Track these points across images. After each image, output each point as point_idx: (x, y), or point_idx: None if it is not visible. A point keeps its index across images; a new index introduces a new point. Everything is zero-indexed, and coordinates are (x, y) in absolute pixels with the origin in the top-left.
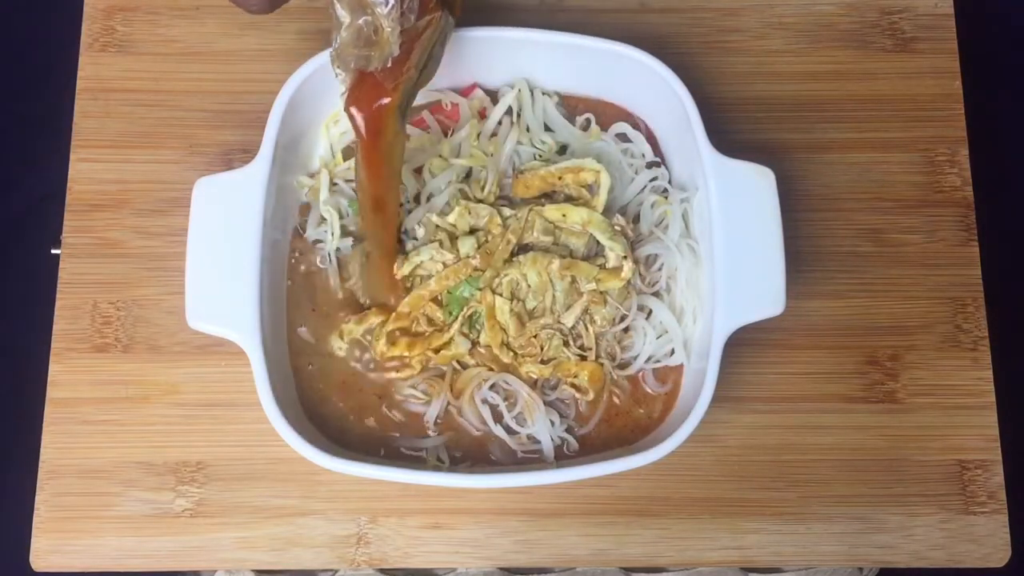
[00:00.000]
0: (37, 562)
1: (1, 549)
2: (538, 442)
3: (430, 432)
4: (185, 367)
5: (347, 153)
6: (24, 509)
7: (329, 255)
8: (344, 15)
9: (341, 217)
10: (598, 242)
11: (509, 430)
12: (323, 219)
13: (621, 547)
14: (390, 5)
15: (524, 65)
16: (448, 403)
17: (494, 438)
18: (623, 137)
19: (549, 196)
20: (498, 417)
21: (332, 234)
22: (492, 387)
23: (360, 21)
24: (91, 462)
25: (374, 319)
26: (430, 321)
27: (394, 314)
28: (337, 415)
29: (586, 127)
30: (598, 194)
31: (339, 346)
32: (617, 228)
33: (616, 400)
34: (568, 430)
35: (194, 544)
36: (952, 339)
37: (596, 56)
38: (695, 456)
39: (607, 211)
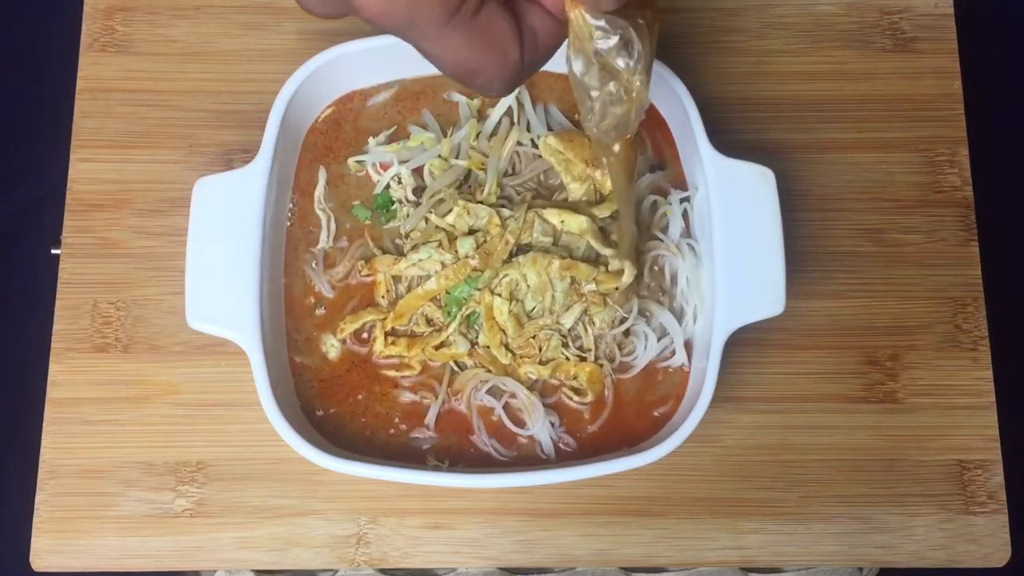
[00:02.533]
0: (37, 562)
1: (1, 549)
2: (537, 443)
3: (429, 432)
4: (185, 367)
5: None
6: (24, 509)
7: (319, 253)
8: (593, 85)
9: (336, 218)
10: None
11: (504, 435)
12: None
13: (621, 547)
14: (635, 57)
15: None
16: (447, 403)
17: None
18: None
19: (547, 196)
20: (493, 423)
21: (327, 234)
22: (490, 390)
23: (610, 87)
24: (91, 462)
25: (368, 317)
26: (428, 321)
27: (392, 314)
28: (335, 415)
29: None
30: (610, 201)
31: (333, 344)
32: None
33: (615, 401)
34: (569, 431)
35: (194, 544)
36: (952, 339)
37: None
38: (695, 456)
39: (615, 213)
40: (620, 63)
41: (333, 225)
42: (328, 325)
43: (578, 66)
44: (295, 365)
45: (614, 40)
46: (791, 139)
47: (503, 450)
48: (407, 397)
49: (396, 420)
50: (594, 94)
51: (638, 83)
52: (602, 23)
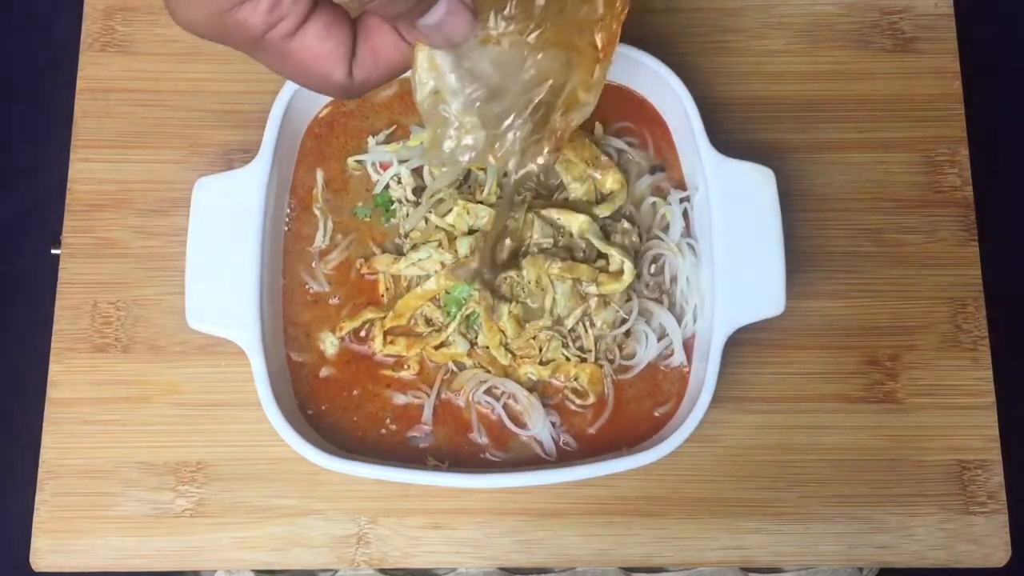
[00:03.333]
0: (37, 562)
1: (1, 549)
2: (538, 442)
3: (427, 427)
4: (185, 367)
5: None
6: (24, 509)
7: (317, 252)
8: (427, 115)
9: (333, 218)
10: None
11: (503, 435)
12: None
13: (621, 547)
14: (463, 99)
15: None
16: (445, 402)
17: (493, 440)
18: (626, 130)
19: (547, 196)
20: (493, 422)
21: (324, 233)
22: (488, 391)
23: (441, 121)
24: (91, 462)
25: (367, 316)
26: (428, 321)
27: (391, 313)
28: (328, 411)
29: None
30: (610, 201)
31: (332, 342)
32: (621, 234)
33: (615, 402)
34: (569, 431)
35: (194, 544)
36: (952, 339)
37: None
38: (695, 456)
39: (615, 214)
40: (454, 104)
41: (330, 224)
42: (327, 323)
43: (417, 94)
44: (292, 363)
45: (449, 79)
46: (790, 139)
47: (503, 450)
48: (400, 399)
49: (387, 420)
50: (427, 125)
51: (468, 126)
52: (446, 59)
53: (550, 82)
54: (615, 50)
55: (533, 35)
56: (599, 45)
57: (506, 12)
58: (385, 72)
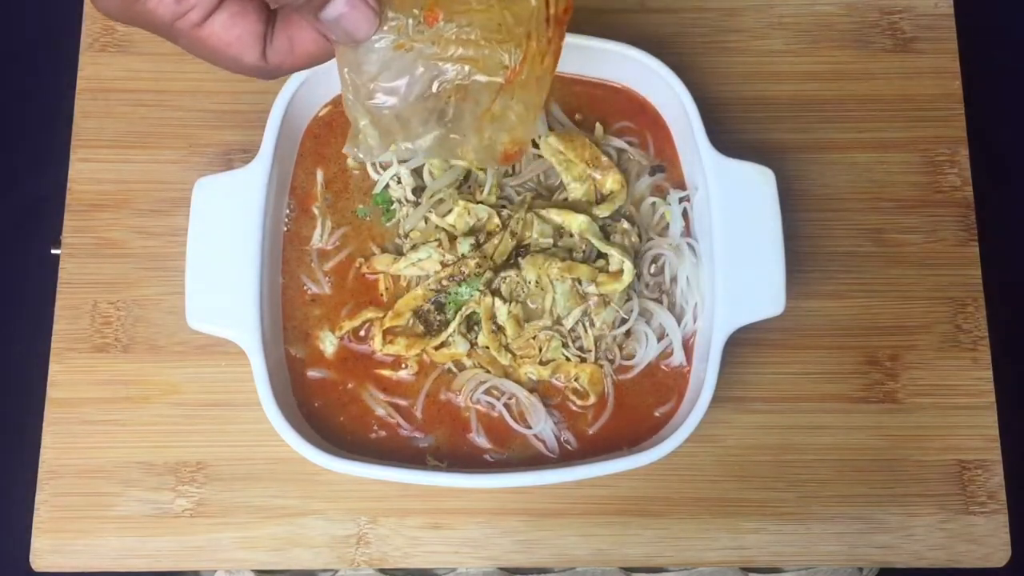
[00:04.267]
0: (37, 562)
1: (1, 549)
2: (541, 440)
3: (419, 416)
4: (185, 367)
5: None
6: (24, 509)
7: (316, 252)
8: (348, 101)
9: (332, 218)
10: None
11: (503, 434)
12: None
13: (621, 547)
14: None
15: None
16: (444, 402)
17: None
18: (627, 130)
19: (547, 196)
20: (493, 421)
21: (323, 232)
22: (488, 391)
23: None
24: (91, 462)
25: (367, 315)
26: (428, 321)
27: (391, 312)
28: (330, 413)
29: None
30: (610, 201)
31: (331, 341)
32: (621, 234)
33: (616, 402)
34: (570, 430)
35: (194, 544)
36: (952, 339)
37: (596, 56)
38: (695, 456)
39: (615, 214)
40: (356, 101)
41: (329, 224)
42: (326, 322)
43: (342, 82)
44: (291, 362)
45: (353, 75)
46: (791, 139)
47: (503, 449)
48: (380, 411)
49: (374, 425)
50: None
51: (360, 124)
52: (353, 56)
53: (452, 95)
54: (535, 81)
55: (441, 49)
56: (512, 68)
57: (417, 24)
58: (303, 60)
